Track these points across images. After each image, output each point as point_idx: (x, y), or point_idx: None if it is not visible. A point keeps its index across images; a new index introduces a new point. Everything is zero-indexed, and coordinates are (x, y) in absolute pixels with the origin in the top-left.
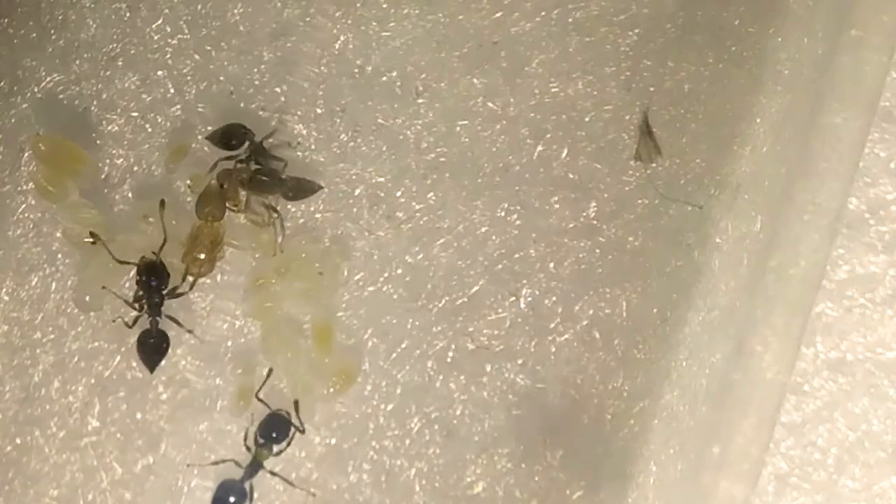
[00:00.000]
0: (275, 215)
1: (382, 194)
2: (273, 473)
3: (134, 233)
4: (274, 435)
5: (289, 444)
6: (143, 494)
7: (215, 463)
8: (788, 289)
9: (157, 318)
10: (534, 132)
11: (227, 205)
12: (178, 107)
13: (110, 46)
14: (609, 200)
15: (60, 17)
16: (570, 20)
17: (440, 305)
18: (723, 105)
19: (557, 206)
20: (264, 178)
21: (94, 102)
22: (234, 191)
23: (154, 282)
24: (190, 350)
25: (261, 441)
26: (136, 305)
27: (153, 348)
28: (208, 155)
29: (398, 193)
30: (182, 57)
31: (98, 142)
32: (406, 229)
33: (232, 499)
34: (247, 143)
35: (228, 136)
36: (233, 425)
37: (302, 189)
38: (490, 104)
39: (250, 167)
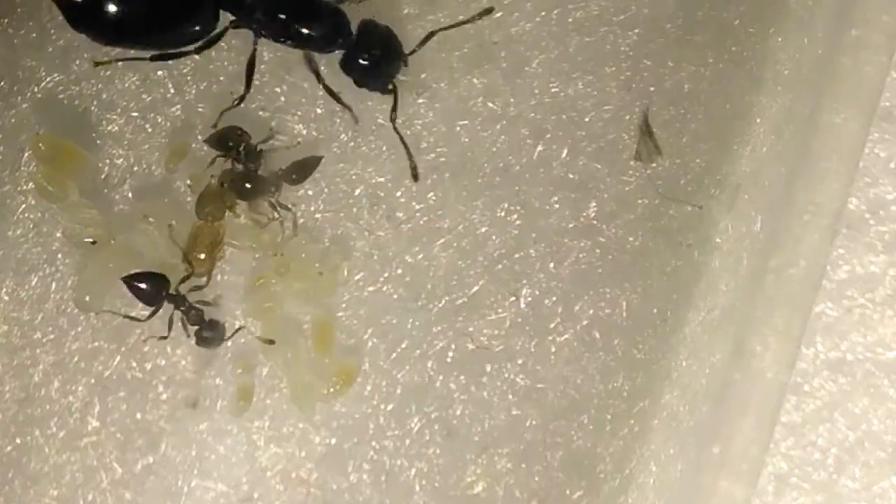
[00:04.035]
0: (286, 213)
1: (382, 194)
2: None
3: (134, 233)
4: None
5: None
6: (143, 494)
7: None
8: (788, 289)
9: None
10: (534, 132)
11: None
12: (178, 107)
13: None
14: (609, 200)
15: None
16: (570, 20)
17: (440, 305)
18: (723, 105)
19: (557, 206)
20: (247, 184)
21: (94, 102)
22: (232, 193)
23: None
24: (190, 350)
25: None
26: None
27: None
28: (208, 154)
29: (398, 193)
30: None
31: (98, 142)
32: (406, 229)
33: None
34: (243, 146)
35: (225, 139)
36: (233, 425)
37: (304, 168)
38: (490, 104)
39: (237, 169)
